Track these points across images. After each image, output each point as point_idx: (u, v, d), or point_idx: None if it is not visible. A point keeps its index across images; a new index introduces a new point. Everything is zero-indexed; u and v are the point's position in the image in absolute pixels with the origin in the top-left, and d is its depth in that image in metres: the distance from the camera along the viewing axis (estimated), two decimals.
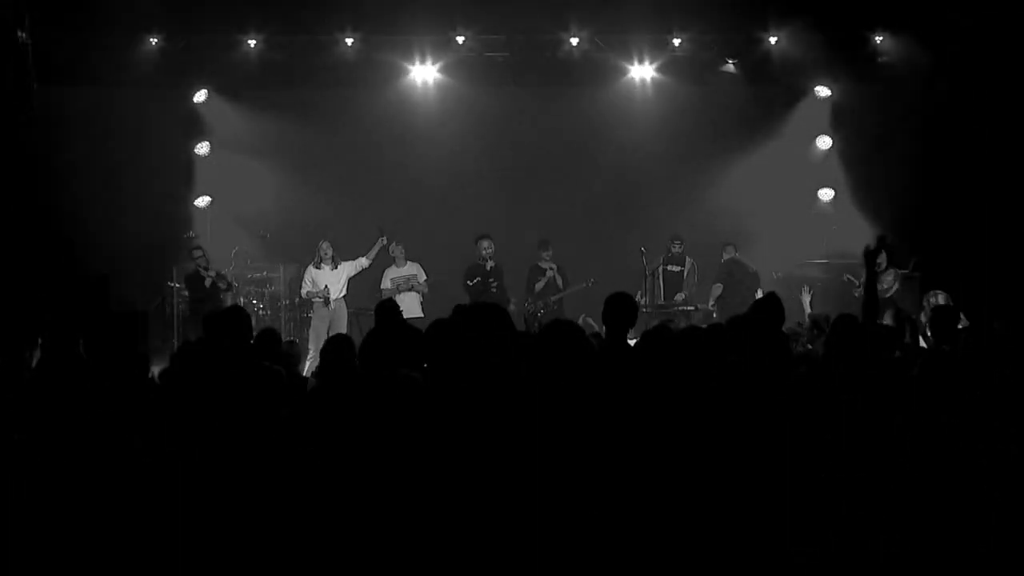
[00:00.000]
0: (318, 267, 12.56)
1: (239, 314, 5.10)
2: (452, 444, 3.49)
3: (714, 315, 12.50)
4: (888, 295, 11.72)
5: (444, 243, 13.37)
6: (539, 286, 12.70)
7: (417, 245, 13.16)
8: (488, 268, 12.36)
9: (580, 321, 11.63)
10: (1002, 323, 7.00)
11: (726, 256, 13.35)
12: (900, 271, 11.91)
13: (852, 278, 12.03)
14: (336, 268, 12.57)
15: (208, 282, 12.07)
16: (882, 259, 11.91)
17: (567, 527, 2.89)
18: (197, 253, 12.40)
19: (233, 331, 4.75)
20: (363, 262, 12.71)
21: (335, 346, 5.55)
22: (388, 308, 7.83)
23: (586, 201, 14.41)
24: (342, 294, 12.64)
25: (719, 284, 13.17)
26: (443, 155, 14.08)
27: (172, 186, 13.98)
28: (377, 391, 3.65)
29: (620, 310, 5.75)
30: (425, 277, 12.73)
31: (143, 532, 3.70)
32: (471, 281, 12.40)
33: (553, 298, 12.69)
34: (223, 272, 12.41)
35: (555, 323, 4.50)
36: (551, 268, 12.82)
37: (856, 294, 11.84)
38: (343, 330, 11.84)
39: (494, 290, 12.23)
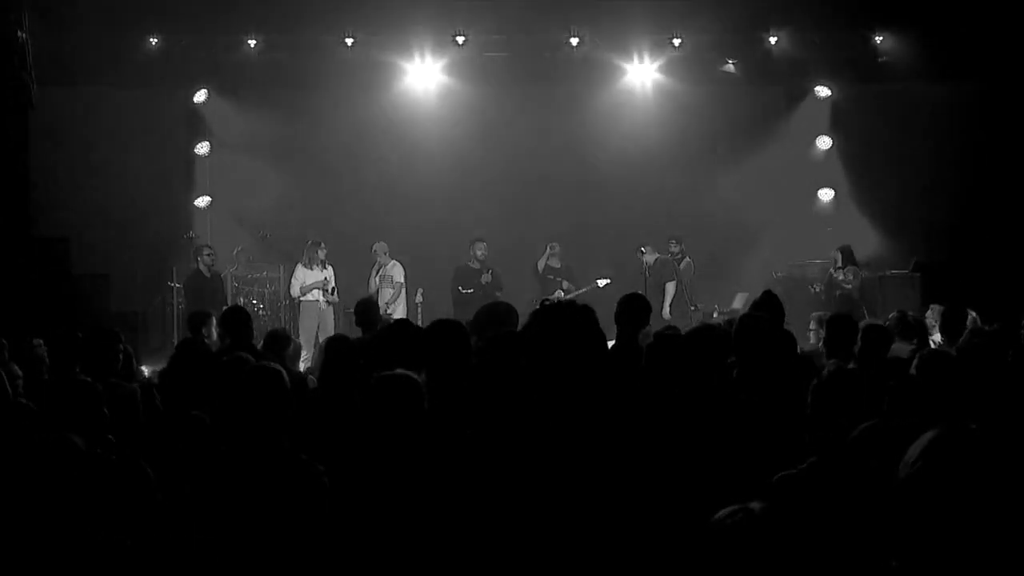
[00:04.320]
0: (309, 268, 12.48)
1: (239, 314, 5.09)
2: (453, 445, 3.48)
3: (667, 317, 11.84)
4: (847, 288, 11.78)
5: (444, 243, 13.36)
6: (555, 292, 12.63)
7: (416, 245, 13.17)
8: (483, 276, 12.23)
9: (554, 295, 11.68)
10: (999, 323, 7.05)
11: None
12: (861, 271, 12.01)
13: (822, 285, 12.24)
14: (326, 269, 12.51)
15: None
16: (836, 256, 12.06)
17: (572, 532, 2.87)
18: (207, 251, 12.32)
19: (234, 330, 4.76)
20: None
21: (336, 346, 5.53)
22: (363, 308, 7.85)
23: (585, 201, 14.40)
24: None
25: (673, 282, 12.57)
26: (442, 155, 14.05)
27: (172, 186, 13.98)
28: (378, 390, 3.64)
29: (633, 311, 5.73)
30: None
31: (141, 533, 3.69)
32: (466, 289, 12.26)
33: (563, 299, 12.57)
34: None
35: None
36: (561, 274, 12.74)
37: (814, 290, 12.12)
38: (331, 330, 11.77)
39: (484, 285, 12.10)
